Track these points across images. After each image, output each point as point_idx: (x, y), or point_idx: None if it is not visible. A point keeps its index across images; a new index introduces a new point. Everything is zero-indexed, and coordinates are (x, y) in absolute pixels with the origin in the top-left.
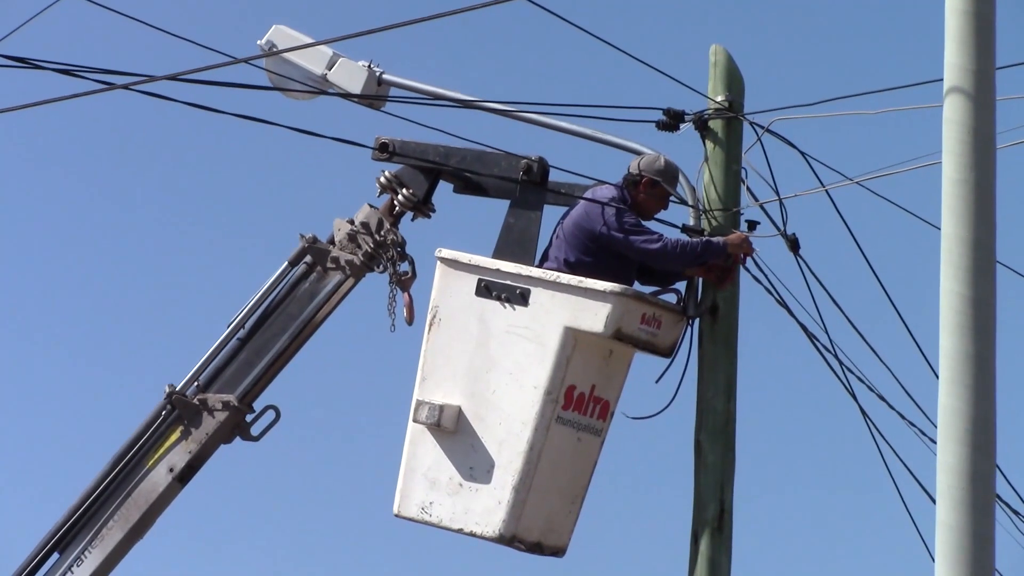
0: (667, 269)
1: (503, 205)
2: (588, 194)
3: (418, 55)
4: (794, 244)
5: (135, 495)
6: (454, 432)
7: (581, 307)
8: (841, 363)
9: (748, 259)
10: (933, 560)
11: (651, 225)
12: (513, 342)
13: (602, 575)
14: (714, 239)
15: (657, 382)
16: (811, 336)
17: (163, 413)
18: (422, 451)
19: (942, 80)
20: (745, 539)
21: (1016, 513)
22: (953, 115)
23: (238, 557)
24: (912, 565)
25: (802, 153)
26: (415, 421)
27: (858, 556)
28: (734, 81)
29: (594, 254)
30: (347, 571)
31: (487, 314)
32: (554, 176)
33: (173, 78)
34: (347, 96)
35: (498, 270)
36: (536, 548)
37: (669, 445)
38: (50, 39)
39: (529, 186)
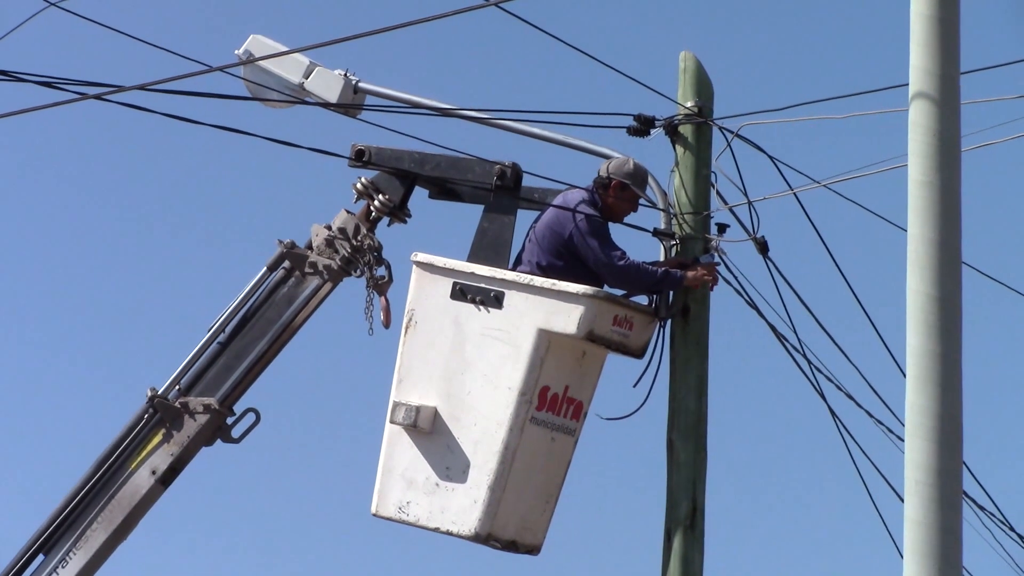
0: (618, 287)
1: (477, 210)
2: (559, 199)
3: (393, 64)
4: (763, 247)
5: (118, 497)
6: (430, 433)
7: (554, 309)
8: (810, 363)
9: (720, 262)
10: (901, 556)
11: (620, 229)
12: (488, 344)
13: (577, 573)
14: (673, 271)
15: (635, 386)
16: (780, 337)
17: (145, 416)
18: (399, 451)
19: (908, 84)
20: (717, 537)
21: (982, 509)
22: (919, 119)
23: (218, 557)
24: (881, 561)
25: (771, 157)
26: (392, 422)
27: (828, 553)
28: (703, 87)
29: (566, 258)
30: (326, 570)
31: (462, 317)
32: (527, 181)
33: (143, 88)
34: (324, 104)
35: (473, 273)
36: (511, 546)
37: (642, 444)
38: (31, 50)
39: (503, 191)
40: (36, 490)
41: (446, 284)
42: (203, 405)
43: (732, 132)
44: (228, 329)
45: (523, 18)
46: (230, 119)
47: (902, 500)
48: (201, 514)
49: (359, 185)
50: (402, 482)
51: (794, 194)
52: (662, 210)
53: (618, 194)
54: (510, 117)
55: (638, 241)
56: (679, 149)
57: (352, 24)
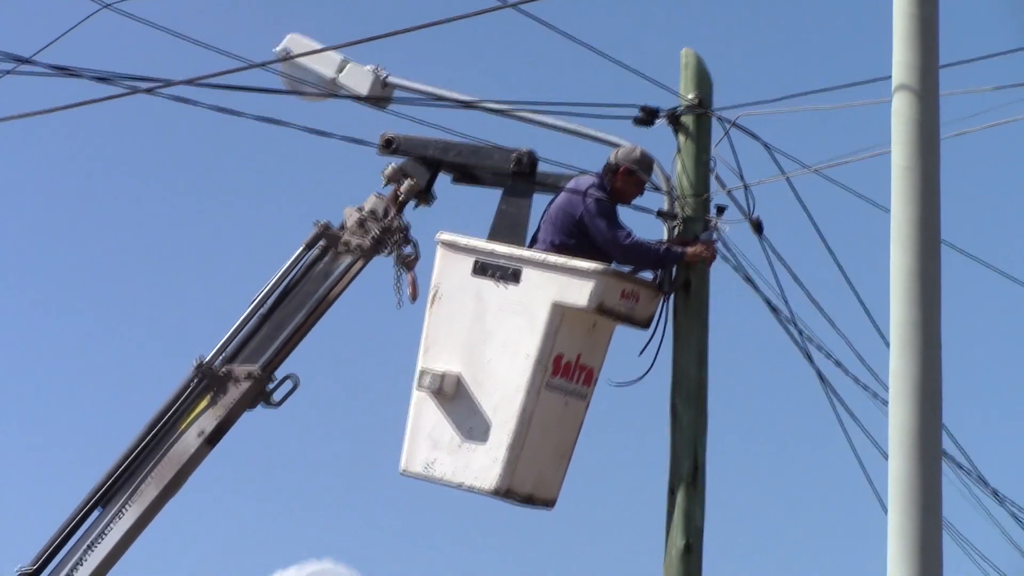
0: (625, 263)
1: (497, 193)
2: (572, 183)
3: (419, 60)
4: (758, 226)
5: (169, 456)
6: (454, 397)
7: (567, 284)
8: (801, 333)
9: (718, 240)
10: (885, 511)
11: (628, 210)
12: (506, 316)
13: (588, 525)
14: (675, 248)
15: (640, 354)
16: (774, 309)
17: (193, 383)
18: (425, 414)
19: (891, 78)
20: (717, 492)
21: (960, 467)
22: (901, 109)
23: (259, 513)
24: (867, 514)
25: (765, 145)
26: (419, 388)
27: (817, 507)
28: (703, 81)
29: (577, 237)
30: (357, 524)
31: (483, 291)
32: (542, 167)
33: (190, 82)
34: (355, 97)
35: (492, 251)
36: (528, 500)
37: (647, 408)
38: (87, 48)
39: (520, 176)
40: (94, 451)
41: (468, 261)
42: (246, 372)
43: (730, 122)
44: (269, 302)
45: (539, 19)
46: (270, 111)
47: (886, 458)
48: (243, 473)
49: (388, 171)
50: (428, 442)
51: (786, 179)
52: (666, 193)
53: (625, 179)
54: (526, 108)
55: (644, 222)
56: (681, 137)
57: (381, 23)
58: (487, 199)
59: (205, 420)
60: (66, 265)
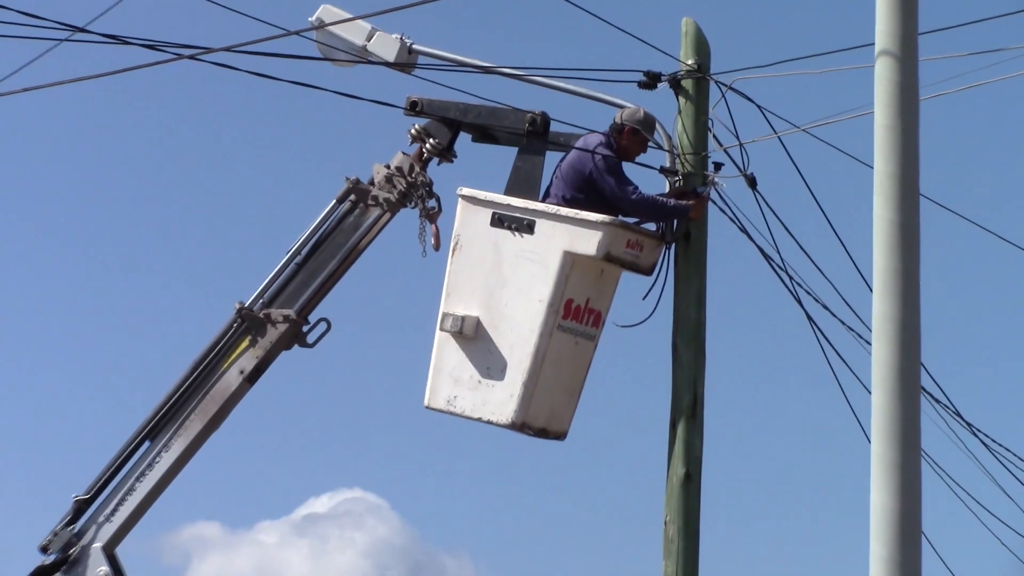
0: (632, 216)
1: (512, 152)
2: (581, 142)
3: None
4: (752, 181)
5: (212, 393)
6: (473, 338)
7: (577, 234)
8: (791, 278)
9: (714, 195)
10: (869, 441)
11: (632, 166)
12: (521, 264)
13: (597, 456)
14: (681, 203)
15: (644, 299)
16: (767, 256)
17: (234, 325)
18: (447, 354)
19: (874, 44)
20: (714, 424)
21: (938, 402)
22: (883, 72)
23: (294, 445)
24: (851, 445)
25: (759, 106)
26: (441, 329)
27: (806, 438)
28: (702, 47)
29: (586, 191)
30: (384, 456)
31: (500, 241)
32: (554, 127)
33: (230, 49)
34: (383, 63)
35: (509, 205)
36: (542, 433)
37: (651, 348)
38: (134, 17)
39: (533, 136)
40: (144, 389)
41: (486, 214)
42: (283, 315)
43: (726, 85)
44: (304, 251)
45: None
46: (304, 77)
47: (870, 392)
48: (280, 410)
49: (413, 131)
50: (450, 380)
51: (778, 137)
52: (667, 151)
53: (630, 138)
54: (540, 73)
55: (647, 177)
56: (681, 100)
57: None
58: (504, 157)
59: (245, 360)
60: (120, 218)
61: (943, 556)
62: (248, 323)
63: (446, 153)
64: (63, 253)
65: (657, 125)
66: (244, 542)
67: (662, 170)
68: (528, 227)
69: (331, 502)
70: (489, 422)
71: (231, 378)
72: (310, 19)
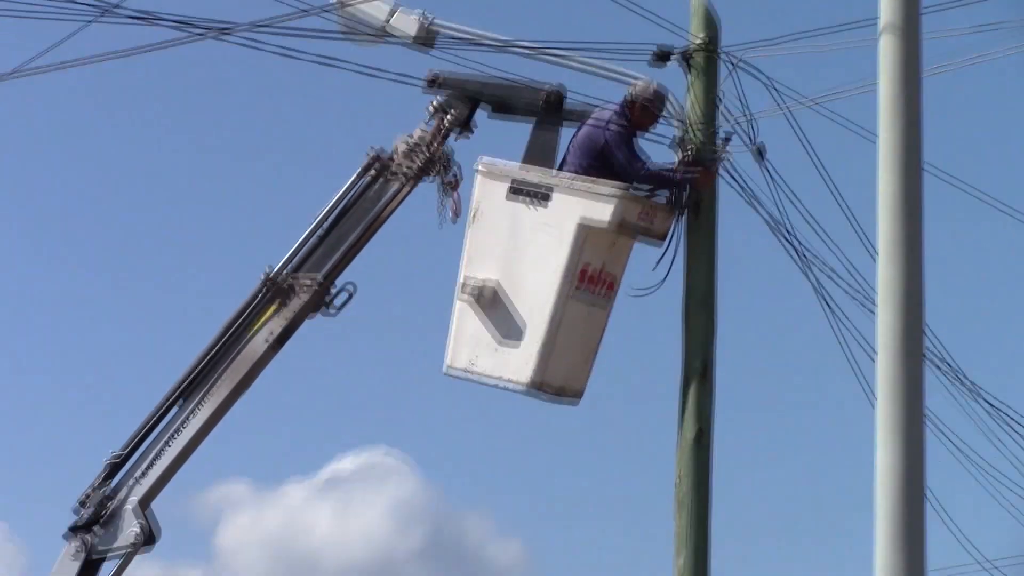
0: (641, 184)
1: (529, 125)
2: (595, 115)
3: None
4: (760, 153)
5: (240, 357)
6: (492, 304)
7: (591, 204)
8: (798, 246)
9: (724, 166)
10: (873, 404)
11: (644, 139)
12: (538, 233)
13: (612, 416)
14: (688, 175)
15: (655, 267)
16: (774, 226)
17: (261, 292)
18: (467, 320)
19: (878, 19)
20: (724, 386)
21: (940, 366)
22: (887, 47)
23: (319, 407)
24: (856, 406)
25: (767, 80)
26: (461, 296)
27: (813, 401)
28: (711, 23)
29: (600, 162)
30: (407, 417)
31: (517, 211)
32: (569, 101)
33: (254, 27)
34: (403, 41)
35: (526, 176)
36: (558, 394)
37: (663, 314)
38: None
39: (549, 109)
40: (175, 353)
41: (504, 185)
42: (308, 281)
43: (735, 60)
44: (329, 220)
45: None
46: (327, 53)
47: (874, 357)
48: (307, 373)
49: (432, 105)
50: (470, 343)
51: (785, 110)
52: (678, 124)
53: (642, 111)
54: (555, 49)
55: (659, 149)
56: (691, 74)
57: None
58: (520, 130)
59: (272, 324)
60: (157, 190)
61: (946, 515)
62: (275, 289)
63: (465, 126)
64: (101, 224)
65: (668, 98)
66: (272, 500)
67: (673, 142)
68: (544, 197)
69: (355, 462)
70: (508, 383)
71: (258, 343)
72: None
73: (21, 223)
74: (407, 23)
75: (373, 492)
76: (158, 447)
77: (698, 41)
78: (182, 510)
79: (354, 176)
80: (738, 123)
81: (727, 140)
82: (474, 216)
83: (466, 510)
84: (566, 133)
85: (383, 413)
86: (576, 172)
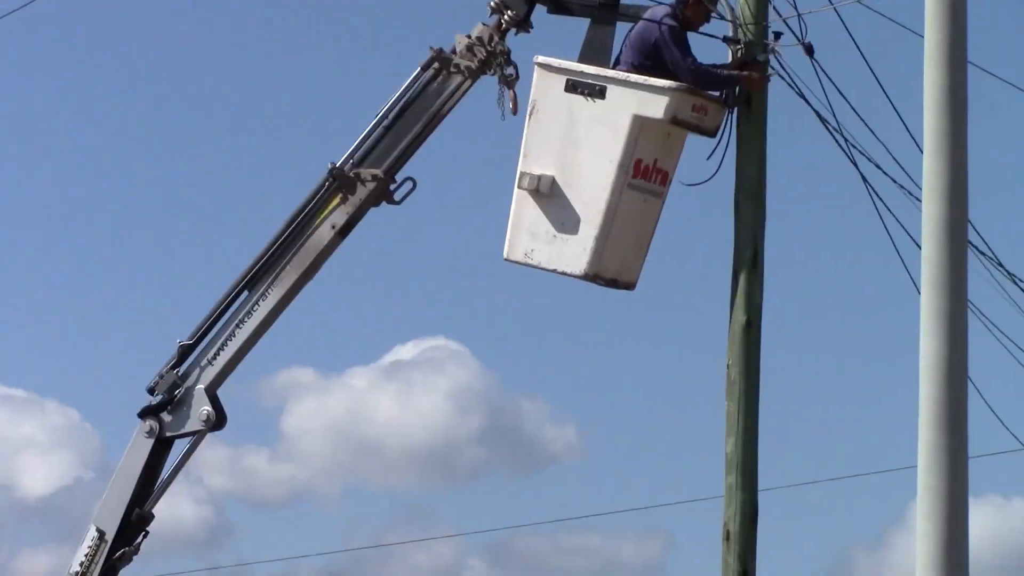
0: (692, 85)
1: (585, 22)
2: (649, 13)
3: None
4: (810, 49)
5: (306, 246)
6: (550, 196)
7: (646, 99)
8: (846, 140)
9: (773, 60)
10: (919, 291)
11: (697, 36)
12: (594, 127)
13: (664, 305)
14: (736, 73)
15: (708, 159)
16: (823, 120)
17: (326, 184)
18: (525, 211)
19: None
20: (774, 276)
21: (983, 254)
22: None
23: (381, 297)
24: (901, 296)
25: None
26: (519, 188)
27: (860, 290)
28: None
29: (653, 59)
30: (465, 307)
31: (574, 106)
32: None
33: None
34: None
35: (582, 72)
36: (613, 283)
37: (714, 205)
38: None
39: (605, 7)
40: (242, 243)
41: (561, 80)
42: (372, 174)
43: None
44: (391, 115)
45: None
46: None
47: (919, 246)
48: (369, 263)
49: (492, 3)
50: (527, 234)
51: (834, 8)
52: (730, 21)
53: (695, 9)
54: None
55: (711, 46)
56: None
57: None
58: (577, 27)
59: (337, 215)
60: (223, 83)
61: (987, 399)
62: (340, 182)
63: (523, 24)
64: (179, 116)
65: None
66: (336, 386)
67: (725, 39)
68: (600, 92)
69: (416, 349)
70: (564, 273)
71: (323, 232)
72: None
73: (107, 113)
74: None
75: (433, 379)
76: (226, 333)
77: None
78: (249, 395)
79: (416, 72)
80: (788, 21)
81: (778, 37)
82: (531, 111)
83: (523, 396)
84: (621, 31)
85: (443, 302)
86: (630, 69)
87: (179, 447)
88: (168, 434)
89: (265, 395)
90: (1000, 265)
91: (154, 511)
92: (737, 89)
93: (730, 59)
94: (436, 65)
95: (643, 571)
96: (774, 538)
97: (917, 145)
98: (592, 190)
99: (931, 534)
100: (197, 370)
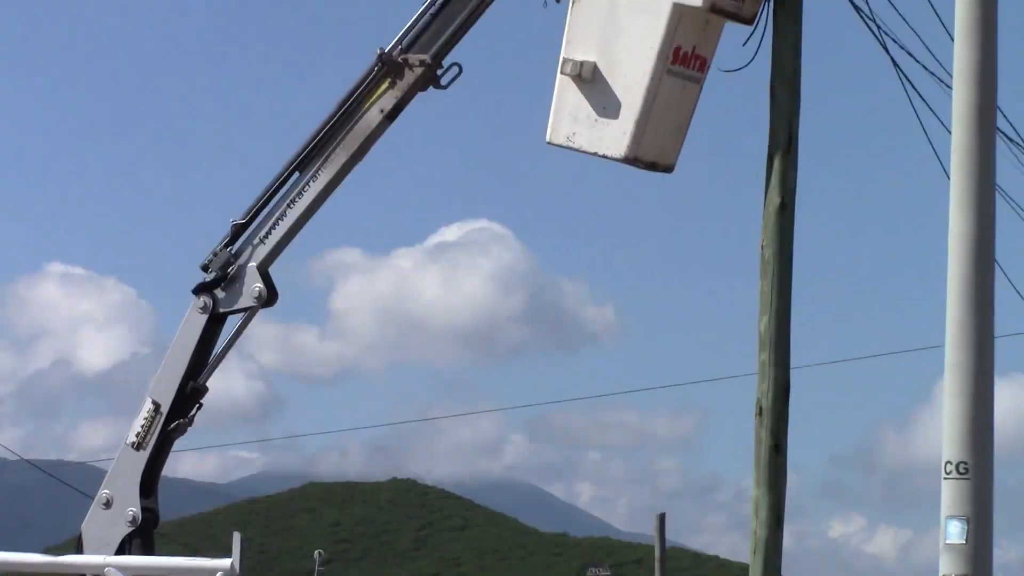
0: None
1: None
2: None
3: None
4: None
5: (355, 129)
6: (591, 81)
7: None
8: (878, 26)
9: None
10: (948, 176)
11: None
12: (635, 14)
13: (701, 187)
14: None
15: (744, 44)
16: (856, 7)
17: (375, 69)
18: (567, 96)
19: None
20: (807, 159)
21: (1011, 140)
22: None
23: (427, 180)
24: (931, 180)
25: None
26: (562, 73)
27: (891, 174)
28: None
29: None
30: (508, 191)
31: None
32: None
33: None
34: None
35: None
36: (652, 166)
37: (750, 91)
38: None
39: None
40: (293, 125)
41: None
42: (419, 60)
43: None
44: (438, 2)
45: None
46: None
47: (949, 131)
48: (415, 146)
49: None
50: (569, 118)
51: None
52: None
53: None
54: None
55: None
56: None
57: None
58: None
59: (385, 100)
60: None
61: (1013, 280)
62: (388, 67)
63: None
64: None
65: None
66: (382, 267)
67: None
68: None
69: (460, 231)
70: (605, 156)
71: (372, 116)
72: None
73: None
74: None
75: (477, 260)
76: (278, 213)
77: None
78: (299, 276)
79: None
80: None
81: None
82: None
83: (563, 277)
84: None
85: (488, 185)
86: None
87: (232, 323)
88: (221, 310)
89: (314, 275)
90: None
91: (207, 384)
92: None
93: None
94: None
95: (678, 446)
96: (805, 414)
97: (948, 32)
98: (632, 76)
99: (957, 410)
100: (249, 248)
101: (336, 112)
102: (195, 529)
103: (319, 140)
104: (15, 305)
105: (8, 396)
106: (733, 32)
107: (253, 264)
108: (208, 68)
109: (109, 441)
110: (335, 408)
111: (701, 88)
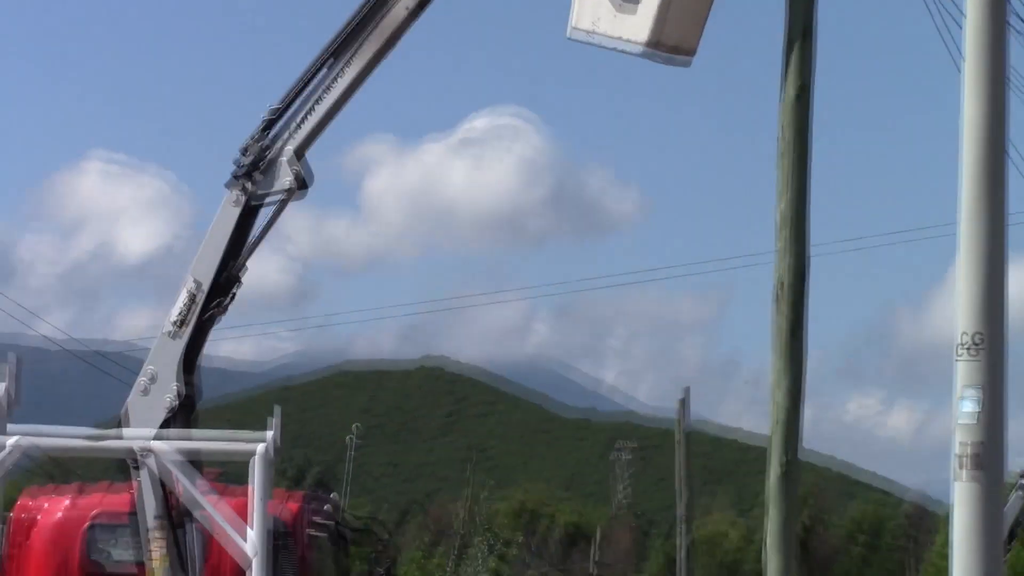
0: None
1: None
2: None
3: None
4: None
5: (383, 22)
6: None
7: None
8: None
9: None
10: (960, 70)
11: None
12: None
13: (721, 75)
14: None
15: None
16: None
17: None
18: None
19: None
20: (825, 49)
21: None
22: None
23: (454, 64)
24: (944, 67)
25: None
26: None
27: (905, 63)
28: None
29: None
30: (535, 79)
31: None
32: None
33: None
34: None
35: None
36: (674, 50)
37: None
38: None
39: None
40: (325, 16)
41: None
42: None
43: None
44: None
45: None
46: None
47: (962, 16)
48: (444, 35)
49: None
50: (592, 7)
51: None
52: None
53: None
54: None
55: None
56: None
57: None
58: None
59: None
60: None
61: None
62: None
63: None
64: None
65: None
66: (412, 157)
67: None
68: None
69: (487, 121)
70: (628, 41)
71: (399, 11)
72: None
73: None
74: None
75: (503, 149)
76: (311, 102)
77: None
78: (331, 166)
79: None
80: None
81: None
82: None
83: (588, 165)
84: None
85: (515, 75)
86: None
87: (265, 213)
88: (259, 191)
89: (347, 165)
90: None
91: (247, 265)
92: None
93: None
94: None
95: (700, 327)
96: (823, 295)
97: None
98: None
99: (971, 281)
100: (285, 134)
101: (365, 4)
102: (231, 414)
103: (351, 31)
104: (61, 192)
105: (54, 280)
106: None
107: (289, 147)
108: None
109: (149, 325)
110: (368, 293)
111: None
